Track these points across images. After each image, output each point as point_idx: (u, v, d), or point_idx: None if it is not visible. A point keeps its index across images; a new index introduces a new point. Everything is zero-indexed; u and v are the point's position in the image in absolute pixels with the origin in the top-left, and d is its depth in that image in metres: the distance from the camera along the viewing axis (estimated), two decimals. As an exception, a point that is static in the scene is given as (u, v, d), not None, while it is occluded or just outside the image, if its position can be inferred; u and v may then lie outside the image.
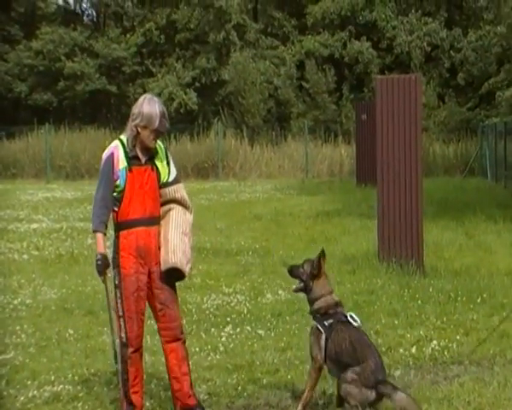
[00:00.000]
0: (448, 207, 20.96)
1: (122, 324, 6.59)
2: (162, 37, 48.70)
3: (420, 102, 12.97)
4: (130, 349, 6.61)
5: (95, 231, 6.60)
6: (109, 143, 6.82)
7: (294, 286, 7.08)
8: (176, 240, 6.65)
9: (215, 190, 30.10)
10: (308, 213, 21.25)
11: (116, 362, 6.68)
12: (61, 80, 46.88)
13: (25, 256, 15.22)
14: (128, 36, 48.77)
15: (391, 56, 46.10)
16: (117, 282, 6.61)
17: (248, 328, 9.61)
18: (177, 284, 6.83)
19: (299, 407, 6.73)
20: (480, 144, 36.93)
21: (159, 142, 6.76)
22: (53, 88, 47.13)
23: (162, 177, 6.76)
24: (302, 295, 7.23)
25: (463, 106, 43.59)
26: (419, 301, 10.69)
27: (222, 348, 8.78)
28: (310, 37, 46.85)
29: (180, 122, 41.36)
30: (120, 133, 6.86)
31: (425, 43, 45.00)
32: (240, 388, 7.48)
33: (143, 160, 6.67)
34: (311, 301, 6.87)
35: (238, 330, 9.53)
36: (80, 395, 7.36)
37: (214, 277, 12.77)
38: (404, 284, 11.70)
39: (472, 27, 44.75)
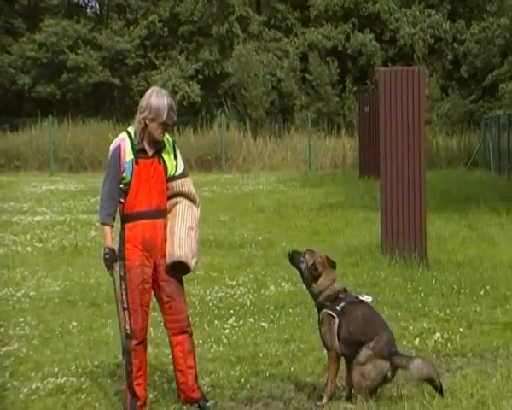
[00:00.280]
0: (451, 200, 20.94)
1: (127, 316, 6.59)
2: (165, 29, 48.73)
3: (423, 95, 12.95)
4: (135, 341, 6.61)
5: (102, 224, 6.60)
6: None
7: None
8: (182, 234, 6.64)
9: (218, 182, 30.10)
10: (311, 205, 21.24)
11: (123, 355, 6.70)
12: (64, 73, 46.93)
13: (28, 248, 15.24)
14: (131, 28, 48.80)
15: (394, 48, 46.06)
16: (122, 274, 6.60)
17: (251, 320, 9.61)
18: (180, 276, 6.84)
19: (325, 399, 6.71)
20: (483, 136, 36.87)
21: (166, 135, 6.75)
22: (56, 80, 47.17)
23: (169, 170, 6.75)
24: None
25: (466, 98, 43.54)
26: (422, 294, 10.68)
27: (225, 341, 8.79)
28: (313, 29, 46.81)
29: (183, 115, 41.28)
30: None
31: (428, 36, 44.94)
32: (243, 380, 7.48)
33: (150, 152, 6.66)
34: (317, 294, 6.86)
35: (241, 322, 9.53)
36: (84, 386, 7.36)
37: (217, 269, 12.79)
38: (407, 276, 11.70)
39: (475, 19, 44.65)
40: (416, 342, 8.50)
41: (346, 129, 40.57)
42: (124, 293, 6.59)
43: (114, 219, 6.60)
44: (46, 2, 50.46)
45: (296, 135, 40.31)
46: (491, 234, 15.57)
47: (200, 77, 46.62)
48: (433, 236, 14.39)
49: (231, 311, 10.06)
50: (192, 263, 6.68)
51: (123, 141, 6.62)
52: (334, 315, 6.69)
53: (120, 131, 6.79)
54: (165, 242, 6.65)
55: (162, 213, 6.71)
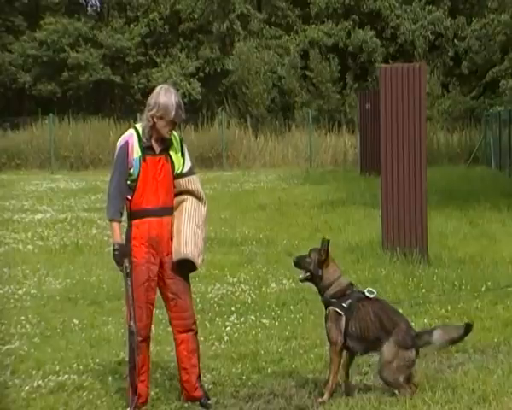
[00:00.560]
0: (452, 196, 20.93)
1: (132, 312, 6.60)
2: (166, 27, 48.68)
3: (424, 91, 12.96)
4: (139, 338, 6.61)
5: (110, 220, 6.59)
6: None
7: (301, 275, 7.05)
8: (188, 232, 6.65)
9: (219, 179, 30.07)
10: (312, 202, 21.24)
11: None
12: (65, 71, 46.91)
13: (29, 247, 15.24)
14: (132, 26, 48.75)
15: (395, 45, 46.04)
16: (128, 271, 6.60)
17: (253, 317, 9.62)
18: (184, 274, 6.84)
19: (326, 395, 6.73)
20: (484, 133, 36.84)
21: (174, 133, 6.76)
22: (57, 78, 47.16)
23: (176, 168, 6.76)
24: (307, 284, 7.24)
25: (467, 95, 43.53)
26: (423, 290, 10.69)
27: (226, 338, 8.79)
28: (314, 26, 46.79)
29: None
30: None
31: (429, 32, 44.92)
32: (244, 377, 7.49)
33: (158, 150, 6.67)
34: (324, 288, 6.86)
35: (242, 319, 9.55)
36: (85, 384, 7.37)
37: (219, 266, 12.78)
38: (408, 272, 11.70)
39: (476, 16, 44.57)
40: (418, 338, 8.49)
41: (346, 126, 40.55)
42: (129, 290, 6.57)
43: (122, 214, 6.60)
44: (47, 0, 50.36)
45: (297, 132, 40.28)
46: (492, 230, 15.57)
47: (201, 74, 46.62)
48: (434, 232, 14.37)
49: (232, 308, 10.06)
50: (198, 261, 6.69)
51: (130, 137, 6.62)
52: (341, 313, 6.71)
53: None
54: (172, 239, 6.66)
55: (169, 211, 6.72)
